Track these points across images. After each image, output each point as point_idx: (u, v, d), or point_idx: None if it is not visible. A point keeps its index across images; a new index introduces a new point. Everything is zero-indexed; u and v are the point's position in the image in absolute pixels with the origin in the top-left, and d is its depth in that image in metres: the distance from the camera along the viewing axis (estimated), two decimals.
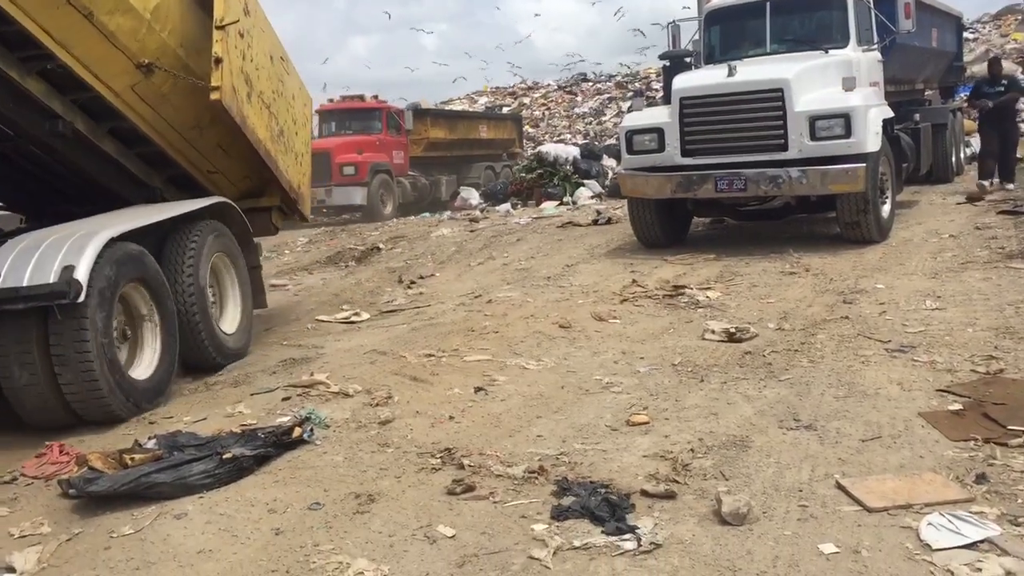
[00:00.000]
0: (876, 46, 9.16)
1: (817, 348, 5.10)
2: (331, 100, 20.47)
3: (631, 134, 8.85)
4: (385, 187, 18.83)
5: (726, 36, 9.72)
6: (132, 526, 3.42)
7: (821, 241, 8.84)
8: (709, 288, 6.99)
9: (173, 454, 3.96)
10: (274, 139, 6.81)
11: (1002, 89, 11.59)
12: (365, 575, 2.89)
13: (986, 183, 11.41)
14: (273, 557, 3.08)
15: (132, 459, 3.92)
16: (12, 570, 3.21)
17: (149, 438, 4.27)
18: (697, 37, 10.06)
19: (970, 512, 2.93)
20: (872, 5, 9.23)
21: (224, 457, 3.85)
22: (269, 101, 6.69)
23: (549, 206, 16.70)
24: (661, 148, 8.57)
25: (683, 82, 8.69)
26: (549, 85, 42.05)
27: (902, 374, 4.50)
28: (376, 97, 20.40)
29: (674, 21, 10.18)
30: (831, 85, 8.16)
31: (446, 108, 22.90)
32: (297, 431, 4.19)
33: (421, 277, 9.53)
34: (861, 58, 8.77)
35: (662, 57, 10.64)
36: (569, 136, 32.33)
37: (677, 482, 3.37)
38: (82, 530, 3.47)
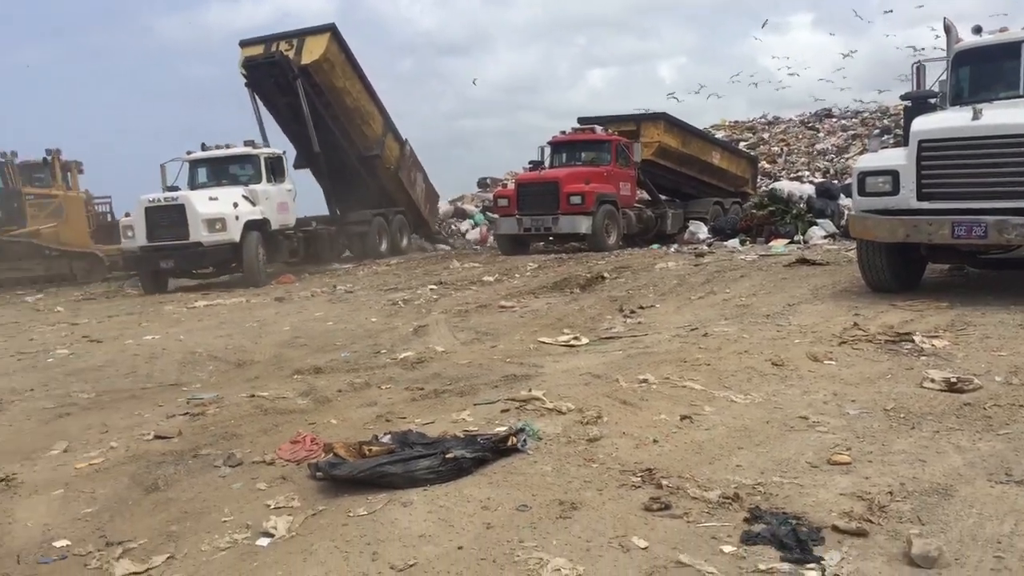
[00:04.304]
0: None
1: None
2: (563, 132, 21.19)
3: (864, 175, 8.68)
4: (610, 217, 19.26)
5: (976, 77, 9.31)
6: (366, 508, 3.90)
7: None
8: (936, 336, 6.76)
9: (404, 449, 4.45)
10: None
11: None
12: (562, 572, 3.18)
13: None
14: (483, 547, 3.44)
15: (370, 450, 4.46)
16: (269, 534, 3.78)
17: (385, 434, 4.82)
18: (944, 77, 9.68)
19: None
20: None
21: (447, 456, 4.29)
22: None
23: (778, 244, 16.49)
24: (895, 191, 8.35)
25: (923, 124, 8.43)
26: (790, 120, 41.05)
27: None
28: (606, 130, 20.88)
29: (919, 61, 9.85)
30: None
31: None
32: (512, 440, 4.58)
33: (641, 307, 9.78)
34: None
35: (904, 98, 10.30)
36: (807, 173, 31.44)
37: (871, 522, 3.42)
38: (325, 507, 4.00)
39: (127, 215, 18.29)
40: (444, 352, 7.90)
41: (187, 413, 6.12)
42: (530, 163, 21.23)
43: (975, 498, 3.63)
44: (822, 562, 3.10)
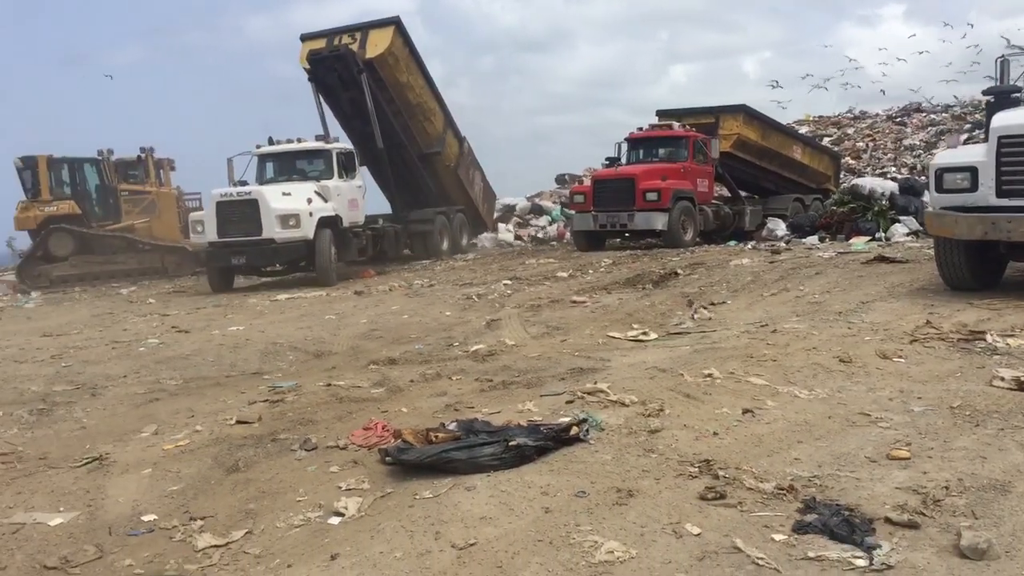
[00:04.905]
0: None
1: None
2: (640, 128, 21.16)
3: (942, 172, 8.54)
4: (687, 214, 19.15)
5: None
6: (431, 491, 4.08)
7: None
8: (1012, 336, 6.64)
9: (469, 437, 4.63)
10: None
11: None
12: (615, 553, 3.31)
13: None
14: (540, 529, 3.59)
15: (436, 437, 4.65)
16: (340, 513, 4.00)
17: (452, 422, 5.01)
18: None
19: None
20: None
21: (510, 444, 4.44)
22: None
23: (858, 241, 16.20)
24: (974, 187, 8.20)
25: (1003, 120, 8.25)
26: (877, 115, 40.08)
27: None
28: (684, 126, 20.75)
29: (1004, 56, 9.62)
30: None
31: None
32: (574, 430, 4.71)
33: (712, 303, 9.79)
34: None
35: (986, 93, 10.06)
36: (894, 169, 30.69)
37: (924, 515, 3.46)
38: (393, 490, 4.20)
39: (196, 210, 18.27)
40: (514, 345, 8.07)
41: (267, 400, 6.42)
42: (607, 159, 21.25)
43: None
44: (871, 551, 3.16)
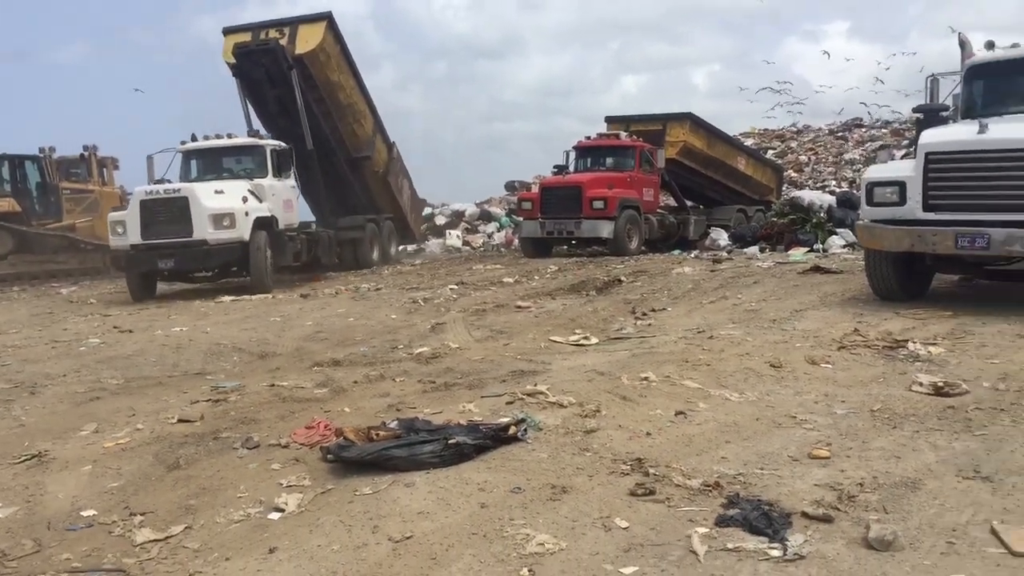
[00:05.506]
0: None
1: None
2: (588, 138, 21.45)
3: (872, 186, 8.87)
4: (632, 222, 19.45)
5: (988, 92, 9.45)
6: (371, 488, 4.18)
7: None
8: (934, 344, 6.95)
9: (409, 435, 4.74)
10: None
11: None
12: (546, 546, 3.45)
13: None
14: (475, 523, 3.72)
15: (377, 435, 4.74)
16: (280, 509, 4.08)
17: (392, 420, 5.12)
18: (957, 91, 9.84)
19: None
20: None
21: (450, 442, 4.56)
22: None
23: (797, 252, 16.62)
24: (902, 201, 8.54)
25: (930, 137, 8.61)
26: (820, 129, 41.05)
27: None
28: (631, 136, 21.09)
29: (933, 75, 10.01)
30: None
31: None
32: (513, 429, 4.85)
33: (653, 310, 10.02)
34: None
35: (916, 111, 10.47)
36: (834, 182, 31.48)
37: (838, 509, 3.66)
38: (334, 487, 4.29)
39: (116, 210, 16.81)
40: (458, 348, 8.19)
41: (210, 399, 6.45)
42: (556, 167, 21.49)
43: (940, 491, 3.85)
44: (786, 543, 3.34)
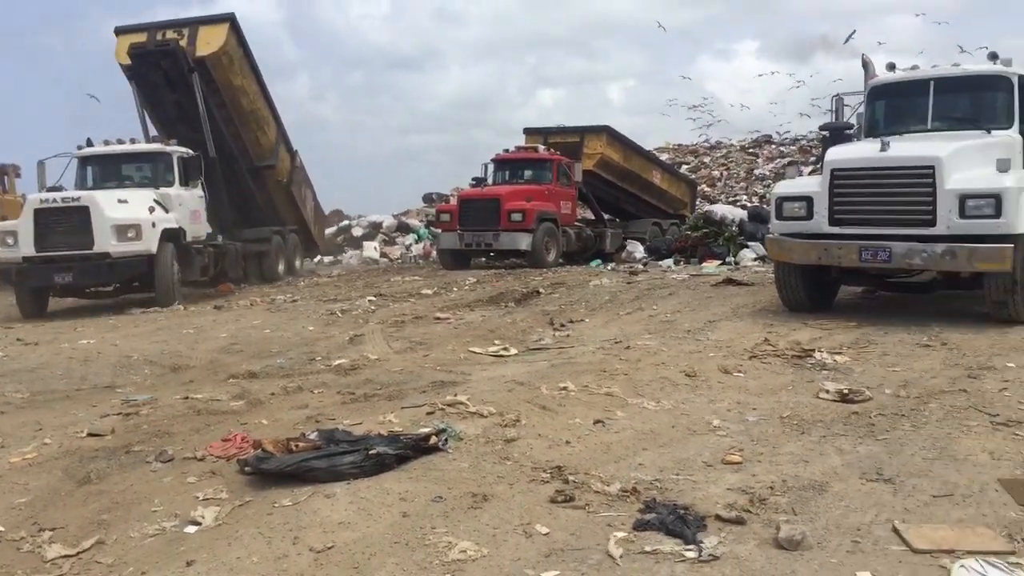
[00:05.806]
0: None
1: (924, 415, 5.32)
2: (506, 150, 21.60)
3: (781, 200, 9.20)
4: (550, 235, 19.62)
5: (889, 111, 9.91)
6: (291, 499, 4.15)
7: (968, 318, 8.84)
8: (839, 353, 7.23)
9: (329, 446, 4.71)
10: None
11: None
12: (468, 552, 3.49)
13: None
14: (397, 532, 3.73)
15: (297, 446, 4.71)
16: (197, 522, 4.01)
17: (312, 431, 5.07)
18: (861, 111, 10.27)
19: (1007, 563, 3.21)
20: None
21: (370, 453, 4.55)
22: None
23: (710, 265, 17.04)
24: (809, 216, 8.87)
25: (835, 154, 8.98)
26: (732, 145, 42.12)
27: (998, 445, 4.69)
28: (549, 149, 21.32)
29: (838, 94, 10.44)
30: (986, 165, 8.25)
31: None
32: (433, 439, 4.87)
33: (571, 321, 10.15)
34: (1020, 140, 8.80)
35: (822, 128, 10.90)
36: (745, 197, 32.31)
37: (750, 512, 3.79)
38: (252, 499, 4.25)
39: (4, 218, 15.61)
40: (377, 360, 8.15)
41: (121, 413, 6.28)
42: (474, 179, 21.56)
43: (845, 493, 4.02)
44: (700, 545, 3.45)
